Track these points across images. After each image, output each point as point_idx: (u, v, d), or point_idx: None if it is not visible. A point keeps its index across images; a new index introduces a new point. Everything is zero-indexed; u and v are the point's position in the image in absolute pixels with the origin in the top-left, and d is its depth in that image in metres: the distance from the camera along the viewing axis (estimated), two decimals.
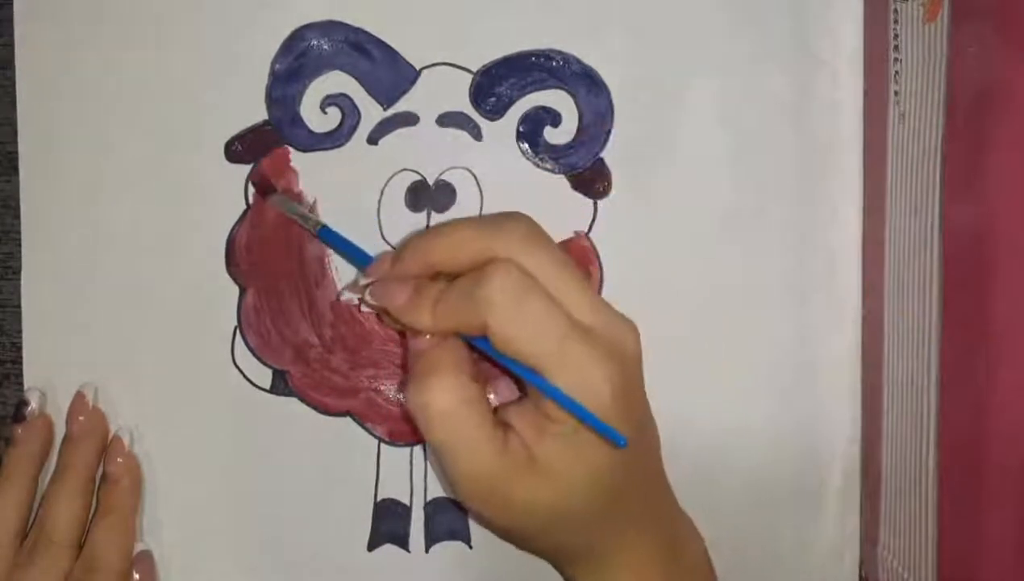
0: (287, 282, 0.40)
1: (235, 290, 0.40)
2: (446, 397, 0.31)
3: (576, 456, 0.32)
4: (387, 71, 0.39)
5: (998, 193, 0.30)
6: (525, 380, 0.32)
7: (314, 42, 0.40)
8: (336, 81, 0.40)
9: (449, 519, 0.40)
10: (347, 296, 0.39)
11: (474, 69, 0.40)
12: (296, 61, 0.40)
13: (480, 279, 0.31)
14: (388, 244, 0.40)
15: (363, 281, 0.35)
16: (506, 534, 0.37)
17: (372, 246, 0.39)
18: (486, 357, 0.33)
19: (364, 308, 0.39)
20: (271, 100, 0.40)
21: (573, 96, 0.39)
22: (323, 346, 0.40)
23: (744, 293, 0.39)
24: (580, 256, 0.39)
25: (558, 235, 0.39)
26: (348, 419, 0.40)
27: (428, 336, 0.33)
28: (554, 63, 0.39)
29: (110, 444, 0.39)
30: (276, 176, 0.40)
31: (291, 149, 0.40)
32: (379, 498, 0.40)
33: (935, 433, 0.33)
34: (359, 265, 0.37)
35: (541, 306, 0.31)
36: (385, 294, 0.34)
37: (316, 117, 0.40)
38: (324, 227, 0.38)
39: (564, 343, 0.31)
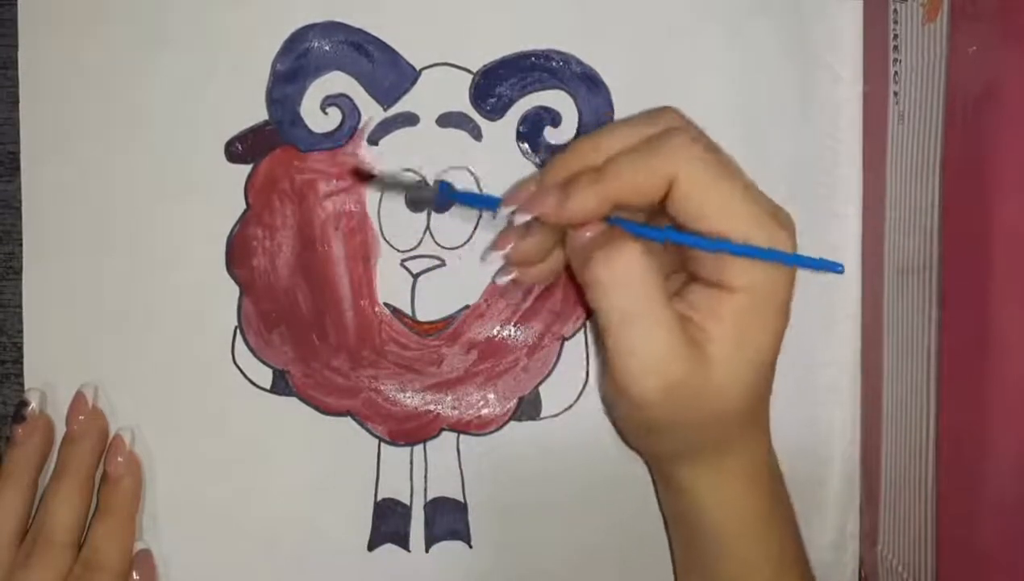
0: (290, 283, 0.40)
1: (235, 290, 0.40)
2: (632, 266, 0.30)
3: (746, 335, 0.31)
4: (387, 71, 0.40)
5: (998, 193, 0.30)
6: (699, 248, 0.31)
7: (314, 42, 0.40)
8: (336, 81, 0.40)
9: (449, 519, 0.40)
10: (502, 279, 0.35)
11: (474, 69, 0.40)
12: (297, 61, 0.40)
13: (662, 136, 0.30)
14: (389, 244, 0.40)
15: (505, 210, 0.32)
16: (643, 423, 0.33)
17: (372, 246, 0.39)
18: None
19: (506, 273, 0.35)
20: (271, 100, 0.40)
21: (573, 96, 0.39)
22: (324, 346, 0.40)
23: None
24: None
25: None
26: (348, 419, 0.40)
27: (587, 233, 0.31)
28: (554, 63, 0.39)
29: (110, 444, 0.39)
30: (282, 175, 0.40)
31: (293, 149, 0.40)
32: (379, 498, 0.40)
33: (935, 433, 0.33)
34: (485, 206, 0.36)
35: (730, 168, 0.30)
36: (537, 200, 0.31)
37: (316, 117, 0.40)
38: (444, 183, 0.36)
39: (751, 203, 0.30)
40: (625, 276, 0.30)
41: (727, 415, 0.32)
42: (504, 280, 0.35)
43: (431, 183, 0.39)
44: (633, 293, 0.30)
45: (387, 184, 0.38)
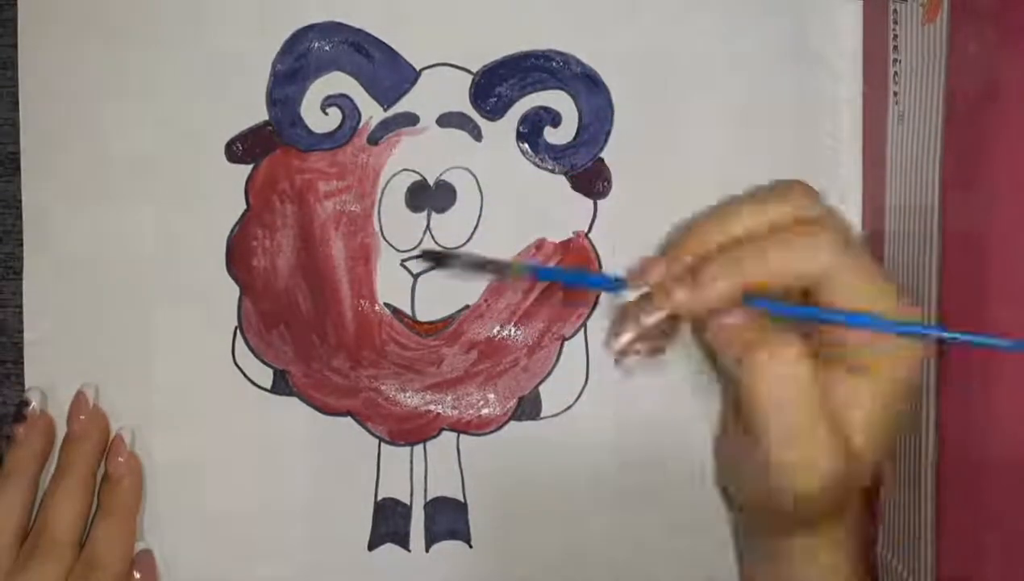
0: (290, 282, 0.40)
1: (235, 290, 0.40)
2: (796, 378, 0.28)
3: (884, 419, 0.29)
4: (387, 71, 0.40)
5: (998, 193, 0.30)
6: (856, 326, 0.29)
7: (315, 43, 0.40)
8: (336, 81, 0.40)
9: (449, 519, 0.40)
10: (620, 352, 0.30)
11: (474, 69, 0.40)
12: (297, 62, 0.40)
13: (810, 231, 0.28)
14: (389, 244, 0.40)
15: (633, 293, 0.30)
16: (795, 516, 0.32)
17: (372, 246, 0.39)
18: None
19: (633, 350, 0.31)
20: (272, 100, 0.40)
21: (573, 96, 0.39)
22: (324, 346, 0.40)
23: None
24: (580, 256, 0.39)
25: (558, 235, 0.40)
26: (348, 419, 0.40)
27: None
28: (554, 63, 0.39)
29: (111, 444, 0.39)
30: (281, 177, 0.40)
31: (293, 149, 0.40)
32: (379, 498, 0.40)
33: (935, 434, 0.33)
34: (603, 287, 0.34)
35: (873, 263, 0.29)
36: (666, 292, 0.29)
37: (317, 118, 0.40)
38: (530, 267, 0.35)
39: (892, 292, 0.29)
40: (788, 392, 0.28)
41: (857, 490, 0.31)
42: (629, 363, 0.31)
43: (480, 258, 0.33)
44: (796, 410, 0.28)
45: (471, 263, 0.32)
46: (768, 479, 0.30)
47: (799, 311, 0.29)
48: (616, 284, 0.30)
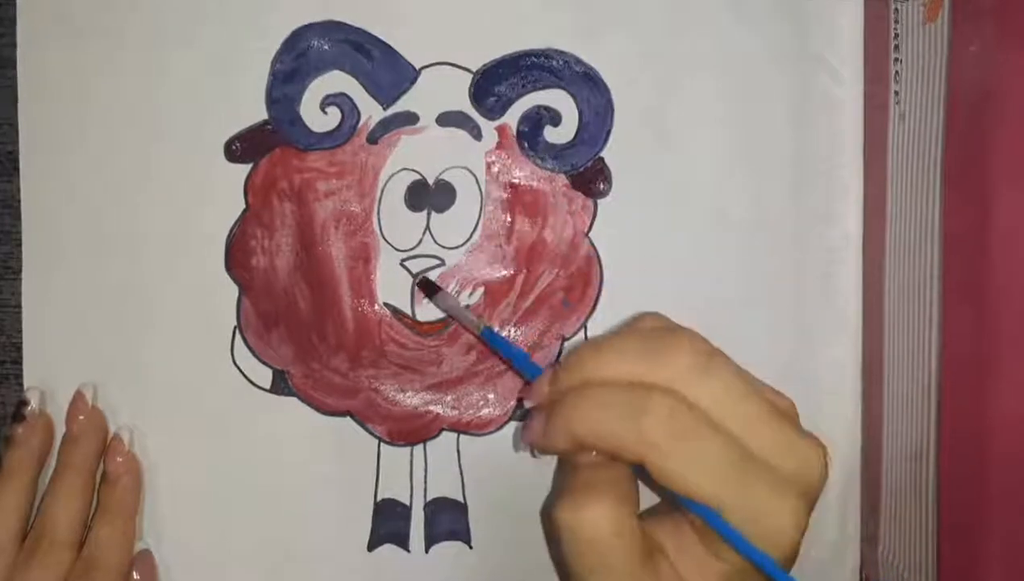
0: (290, 282, 0.40)
1: (235, 290, 0.40)
2: (600, 525, 0.29)
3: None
4: (387, 71, 0.39)
5: (998, 193, 0.29)
6: (694, 514, 0.29)
7: (314, 42, 0.40)
8: (336, 81, 0.40)
9: (449, 519, 0.40)
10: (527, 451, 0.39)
11: (474, 69, 0.40)
12: (296, 61, 0.40)
13: (639, 410, 0.29)
14: (389, 244, 0.40)
15: (528, 403, 0.33)
16: None
17: (372, 245, 0.39)
18: None
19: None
20: (271, 100, 0.40)
21: (573, 96, 0.39)
22: (323, 346, 0.40)
23: (744, 293, 0.39)
24: (580, 257, 0.39)
25: (558, 235, 0.40)
26: (348, 419, 0.40)
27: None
28: (554, 63, 0.39)
29: (110, 443, 0.39)
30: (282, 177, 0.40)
31: (292, 149, 0.40)
32: (379, 498, 0.40)
33: (936, 435, 0.33)
34: (525, 374, 0.37)
35: (709, 443, 0.28)
36: (529, 427, 0.32)
37: (316, 117, 0.40)
38: (487, 329, 0.37)
39: (739, 480, 0.28)
40: (591, 538, 0.29)
41: None
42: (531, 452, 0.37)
43: (452, 292, 0.39)
44: (597, 554, 0.29)
45: (444, 304, 0.39)
46: None
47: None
48: (528, 371, 0.35)
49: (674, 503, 0.31)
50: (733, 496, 0.28)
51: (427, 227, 0.40)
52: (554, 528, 0.30)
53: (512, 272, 0.40)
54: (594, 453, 0.31)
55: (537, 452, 0.33)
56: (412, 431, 0.40)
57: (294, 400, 0.40)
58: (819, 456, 0.30)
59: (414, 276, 0.40)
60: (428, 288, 0.39)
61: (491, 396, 0.40)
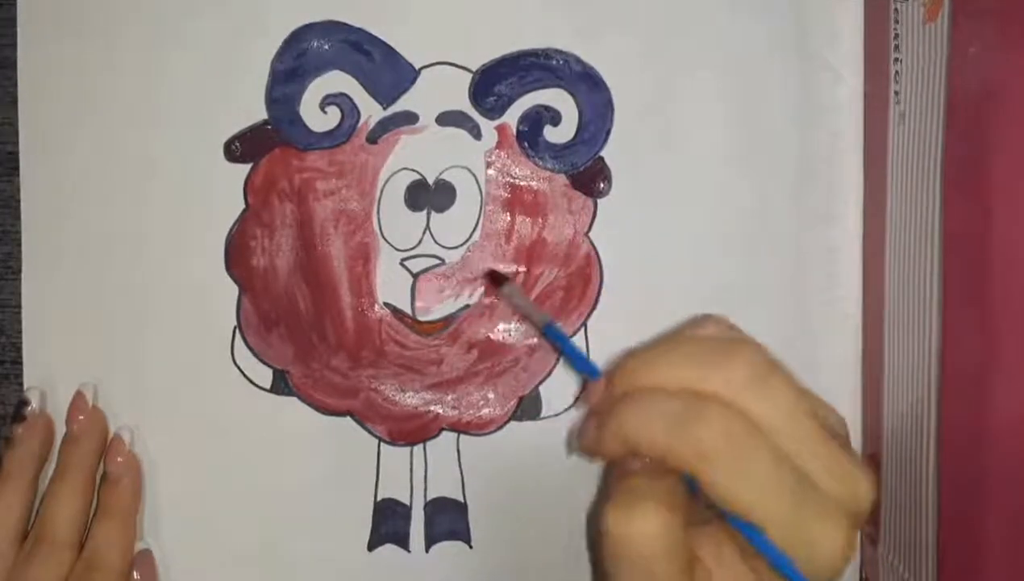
0: (290, 282, 0.40)
1: (235, 290, 0.40)
2: (651, 538, 0.28)
3: None
4: (387, 71, 0.39)
5: (998, 193, 0.29)
6: (742, 534, 0.28)
7: (314, 42, 0.40)
8: (336, 81, 0.40)
9: (449, 519, 0.40)
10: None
11: (474, 68, 0.40)
12: (296, 61, 0.40)
13: (694, 418, 0.27)
14: (389, 243, 0.40)
15: (584, 405, 0.33)
16: None
17: (372, 245, 0.39)
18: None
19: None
20: (271, 100, 0.40)
21: (573, 95, 0.39)
22: (323, 346, 0.40)
23: (744, 293, 0.39)
24: (580, 256, 0.39)
25: (558, 234, 0.40)
26: (348, 419, 0.40)
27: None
28: (554, 63, 0.39)
29: (110, 443, 0.39)
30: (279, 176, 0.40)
31: (292, 149, 0.40)
32: (379, 498, 0.40)
33: (935, 433, 0.33)
34: (583, 373, 0.37)
35: (762, 461, 0.27)
36: (583, 429, 0.31)
37: (316, 117, 0.40)
38: (550, 325, 0.37)
39: (789, 501, 0.27)
40: (640, 552, 0.28)
41: None
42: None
43: (510, 280, 0.39)
44: (643, 568, 0.28)
45: (512, 296, 0.38)
46: None
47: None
48: (585, 370, 0.34)
49: (717, 514, 0.30)
50: (782, 517, 0.27)
51: (427, 227, 0.40)
52: (599, 535, 0.29)
53: (512, 272, 0.40)
54: (646, 460, 0.30)
55: (588, 456, 0.32)
56: (412, 431, 0.40)
57: (294, 400, 0.40)
58: (870, 483, 0.29)
59: (414, 275, 0.39)
60: (496, 279, 0.38)
61: (491, 396, 0.40)
